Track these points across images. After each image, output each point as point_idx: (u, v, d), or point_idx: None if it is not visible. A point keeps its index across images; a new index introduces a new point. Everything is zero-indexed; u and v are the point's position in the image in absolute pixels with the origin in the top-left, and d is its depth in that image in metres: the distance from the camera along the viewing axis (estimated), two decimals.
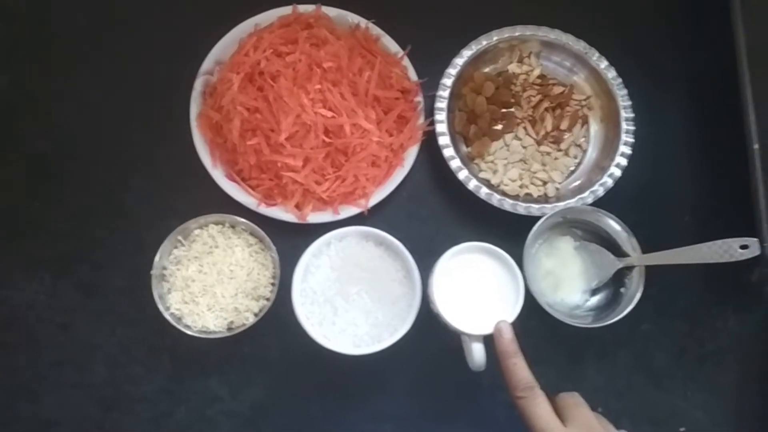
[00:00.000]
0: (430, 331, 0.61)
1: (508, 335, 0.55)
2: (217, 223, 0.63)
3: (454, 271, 0.59)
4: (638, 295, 0.61)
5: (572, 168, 0.70)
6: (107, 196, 0.67)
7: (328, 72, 0.63)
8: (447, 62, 0.69)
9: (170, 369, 0.63)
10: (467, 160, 0.68)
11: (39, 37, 0.71)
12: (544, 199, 0.68)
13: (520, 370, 0.52)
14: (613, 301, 0.64)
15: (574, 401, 0.53)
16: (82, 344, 0.63)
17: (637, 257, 0.63)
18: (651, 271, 0.62)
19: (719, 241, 0.60)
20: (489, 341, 0.57)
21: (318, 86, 0.61)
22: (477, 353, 0.57)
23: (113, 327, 0.63)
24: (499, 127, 0.69)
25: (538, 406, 0.50)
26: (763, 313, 0.67)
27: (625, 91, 0.68)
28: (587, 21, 0.72)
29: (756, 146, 0.64)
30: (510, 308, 0.58)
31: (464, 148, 0.69)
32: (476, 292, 0.59)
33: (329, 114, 0.61)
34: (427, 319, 0.60)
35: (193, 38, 0.68)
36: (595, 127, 0.71)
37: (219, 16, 0.68)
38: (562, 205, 0.65)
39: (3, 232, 0.65)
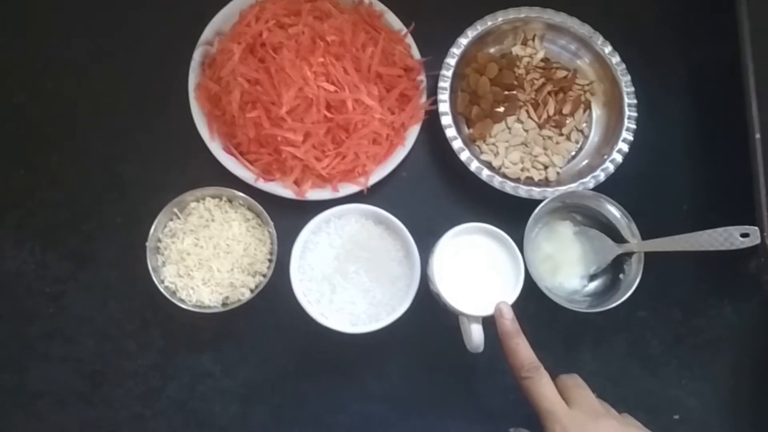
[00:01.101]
0: (428, 311, 0.60)
1: (509, 315, 0.54)
2: (214, 197, 0.62)
3: (455, 252, 0.59)
4: (637, 281, 0.61)
5: (573, 153, 0.69)
6: (101, 166, 0.65)
7: (332, 45, 0.61)
8: (450, 42, 0.68)
9: (162, 344, 0.61)
10: (468, 142, 0.67)
11: (30, 2, 0.69)
12: (545, 182, 0.67)
13: (523, 350, 0.52)
14: (611, 287, 0.64)
15: (575, 383, 0.52)
16: (72, 316, 0.61)
17: (636, 243, 0.63)
18: (649, 259, 0.62)
19: (720, 229, 0.60)
20: (487, 323, 0.57)
21: (321, 59, 0.60)
22: (476, 334, 0.56)
23: (105, 299, 0.62)
24: (502, 109, 0.68)
25: (544, 386, 0.50)
26: (759, 302, 0.67)
27: (628, 77, 0.68)
28: (592, 5, 0.71)
29: (758, 136, 0.64)
30: (510, 290, 0.58)
31: (466, 130, 0.68)
32: (476, 273, 0.59)
33: (332, 88, 0.60)
34: (426, 299, 0.60)
35: (193, 7, 0.67)
36: (597, 113, 0.70)
37: None
38: (563, 189, 0.64)
39: None
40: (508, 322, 0.54)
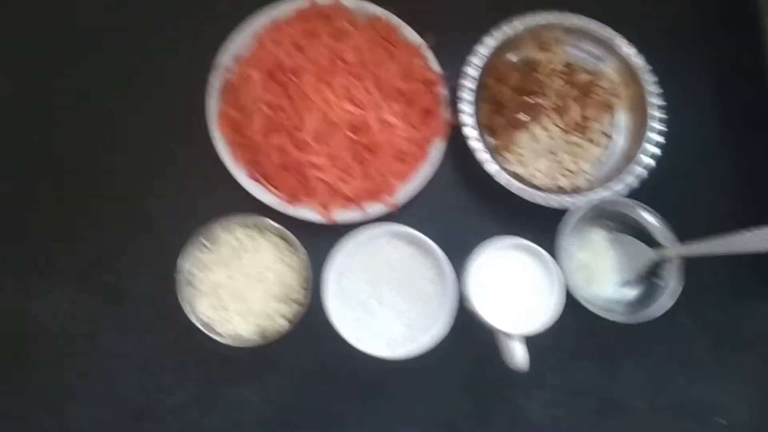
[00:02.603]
0: (464, 328, 0.60)
1: None
2: (242, 225, 0.61)
3: (489, 269, 0.58)
4: (678, 289, 0.60)
5: (601, 158, 0.68)
6: (126, 200, 0.65)
7: (351, 66, 0.61)
8: (467, 51, 0.67)
9: (200, 376, 0.61)
10: (494, 153, 0.66)
11: (43, 36, 0.69)
12: (576, 190, 0.66)
13: None
14: (649, 294, 0.63)
15: None
16: (108, 354, 0.61)
17: (673, 248, 0.61)
18: (683, 260, 0.61)
19: (758, 230, 0.58)
20: (528, 342, 0.56)
21: (342, 81, 0.59)
22: (518, 353, 0.56)
23: (140, 335, 0.61)
24: (525, 117, 0.67)
25: None
26: None
27: (654, 78, 0.66)
28: (611, 7, 0.70)
29: None
30: (547, 305, 0.57)
31: (490, 140, 0.67)
32: (512, 289, 0.58)
33: (355, 110, 0.59)
34: (460, 316, 0.59)
35: (207, 34, 0.66)
36: (622, 116, 0.69)
37: (232, 10, 0.66)
38: (595, 196, 0.63)
39: (19, 241, 0.64)
40: None
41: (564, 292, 0.58)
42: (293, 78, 0.60)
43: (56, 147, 0.66)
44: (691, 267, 0.61)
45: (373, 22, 0.66)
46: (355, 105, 0.60)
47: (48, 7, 0.69)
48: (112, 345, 0.61)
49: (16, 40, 0.68)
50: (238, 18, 0.65)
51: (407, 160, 0.64)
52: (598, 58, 0.69)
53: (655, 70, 0.67)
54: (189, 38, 0.68)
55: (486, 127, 0.67)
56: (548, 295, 0.57)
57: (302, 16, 0.65)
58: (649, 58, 0.67)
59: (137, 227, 0.64)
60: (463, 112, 0.64)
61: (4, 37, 0.68)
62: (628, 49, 0.67)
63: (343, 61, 0.60)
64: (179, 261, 0.59)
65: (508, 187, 0.63)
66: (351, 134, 0.60)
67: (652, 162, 0.65)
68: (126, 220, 0.64)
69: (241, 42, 0.65)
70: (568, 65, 0.69)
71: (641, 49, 0.67)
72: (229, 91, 0.64)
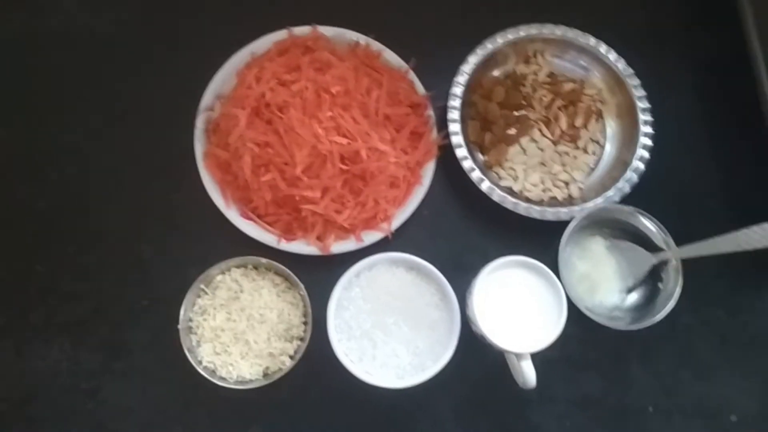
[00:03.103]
0: (471, 351, 0.59)
1: None
2: (239, 266, 0.60)
3: (493, 290, 0.57)
4: (677, 291, 0.60)
5: (592, 165, 0.68)
6: (119, 250, 0.63)
7: (337, 96, 0.60)
8: (451, 71, 0.66)
9: (208, 422, 0.60)
10: (485, 169, 0.66)
11: (19, 92, 0.67)
12: (569, 201, 0.66)
13: None
14: (651, 298, 0.63)
15: None
16: (112, 409, 0.60)
17: (671, 251, 0.61)
18: (683, 262, 0.61)
19: (756, 227, 0.59)
20: (534, 356, 0.56)
21: (329, 113, 0.59)
22: (527, 371, 0.55)
23: (143, 387, 0.60)
24: (514, 131, 0.67)
25: None
26: None
27: (637, 82, 0.67)
28: (590, 15, 0.70)
29: None
30: (553, 320, 0.57)
31: (480, 157, 0.67)
32: (518, 308, 0.57)
33: (344, 141, 0.59)
34: (467, 337, 0.58)
35: (188, 74, 0.65)
36: (611, 121, 0.69)
37: (211, 48, 0.65)
38: (590, 205, 0.63)
39: (12, 300, 0.62)
40: None
41: (566, 305, 0.57)
42: (279, 114, 0.59)
43: (43, 200, 0.64)
44: (691, 267, 0.61)
45: (354, 48, 0.66)
46: (344, 136, 0.59)
47: (22, 64, 0.68)
48: (116, 399, 0.60)
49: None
50: (221, 57, 0.65)
51: (400, 185, 0.63)
52: (585, 68, 0.69)
53: (638, 73, 0.67)
54: (172, 82, 0.67)
55: (476, 145, 0.67)
56: (553, 309, 0.57)
57: (281, 48, 0.65)
58: (632, 61, 0.68)
59: (133, 277, 0.63)
60: (453, 132, 0.64)
61: None
62: (611, 56, 0.67)
63: (328, 92, 0.59)
64: (176, 308, 0.57)
65: (502, 204, 0.63)
66: (342, 165, 0.59)
67: (642, 166, 0.65)
68: (120, 269, 0.63)
69: (223, 81, 0.64)
70: (551, 75, 0.69)
71: (623, 53, 0.68)
72: (215, 131, 0.63)
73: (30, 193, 0.64)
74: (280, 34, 0.66)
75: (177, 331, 0.57)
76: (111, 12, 0.69)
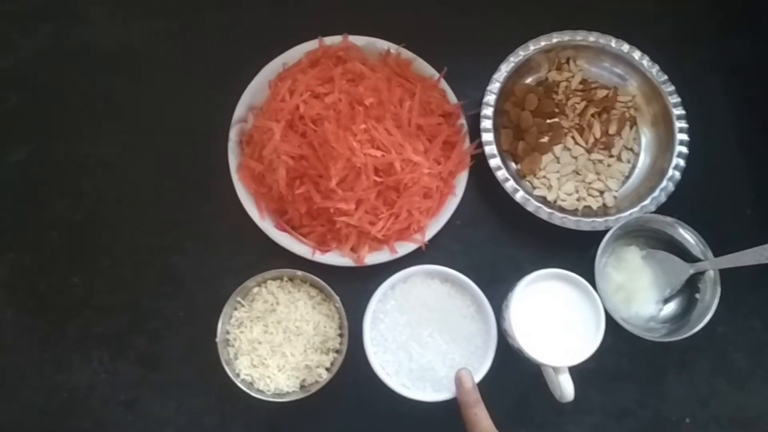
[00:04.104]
0: (507, 363, 0.59)
1: (468, 384, 0.53)
2: (275, 279, 0.60)
3: (530, 303, 0.57)
4: (715, 303, 0.60)
5: (626, 174, 0.67)
6: (153, 262, 0.64)
7: (370, 108, 0.60)
8: (482, 79, 0.66)
9: None
10: (519, 179, 0.66)
11: (53, 105, 0.68)
12: (604, 210, 0.65)
13: (481, 420, 0.51)
14: (687, 308, 0.62)
15: None
16: (150, 420, 0.60)
17: (709, 261, 0.61)
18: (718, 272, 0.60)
19: None
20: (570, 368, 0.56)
21: (363, 126, 0.58)
22: (565, 384, 0.55)
23: (180, 399, 0.61)
24: (546, 139, 0.67)
25: None
26: None
27: (672, 88, 0.66)
28: (616, 18, 0.69)
29: None
30: (591, 332, 0.56)
31: (513, 166, 0.67)
32: (555, 322, 0.57)
33: (378, 153, 0.58)
34: (503, 351, 0.58)
35: (220, 85, 0.65)
36: (645, 129, 0.68)
37: (242, 59, 0.65)
38: (626, 215, 0.62)
39: (49, 313, 0.63)
40: (468, 390, 0.53)
41: (604, 317, 0.57)
42: (313, 127, 0.59)
43: (76, 215, 0.65)
44: (727, 277, 0.61)
45: (386, 58, 0.65)
46: (378, 148, 0.59)
47: (57, 77, 0.68)
48: (153, 411, 0.60)
49: (31, 109, 0.67)
50: (252, 68, 0.65)
51: (433, 196, 0.63)
52: (618, 75, 0.68)
53: (672, 79, 0.66)
54: (205, 94, 0.67)
55: (508, 153, 0.67)
56: (590, 321, 0.57)
57: (312, 59, 0.65)
58: (663, 68, 0.67)
59: (167, 289, 0.63)
60: (486, 142, 0.64)
61: (18, 108, 0.68)
62: (645, 63, 0.66)
63: (362, 104, 0.59)
64: (212, 319, 0.58)
65: (536, 214, 0.62)
66: (376, 177, 0.59)
67: (678, 175, 0.64)
68: (153, 282, 0.63)
69: (255, 92, 0.64)
70: (584, 82, 0.68)
71: (656, 59, 0.67)
72: (249, 143, 0.63)
73: (66, 207, 0.65)
74: (312, 44, 0.66)
75: (213, 342, 0.58)
76: (143, 24, 0.69)
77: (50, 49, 0.69)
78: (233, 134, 0.63)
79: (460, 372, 0.54)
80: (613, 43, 0.67)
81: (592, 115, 0.67)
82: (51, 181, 0.65)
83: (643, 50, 0.67)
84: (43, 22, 0.69)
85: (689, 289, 0.62)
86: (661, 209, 0.64)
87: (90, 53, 0.69)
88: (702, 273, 0.61)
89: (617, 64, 0.68)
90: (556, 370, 0.56)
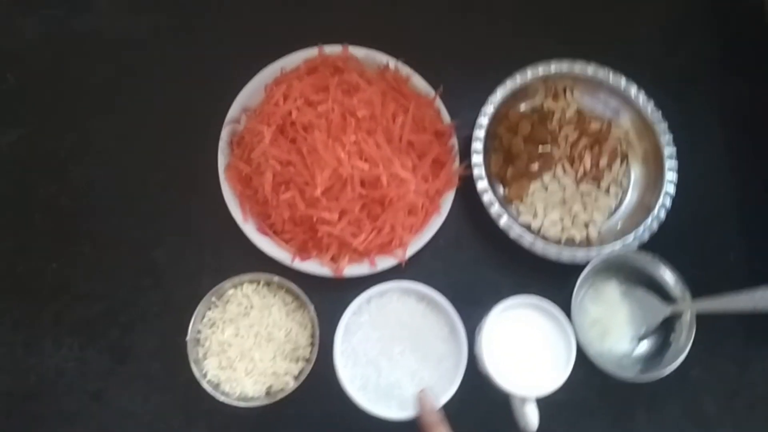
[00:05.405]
0: (477, 387, 0.59)
1: (430, 405, 0.54)
2: (251, 282, 0.60)
3: (503, 330, 0.57)
4: (688, 346, 0.59)
5: (613, 208, 0.67)
6: (133, 255, 0.64)
7: (362, 121, 0.60)
8: (477, 100, 0.66)
9: None
10: (505, 203, 0.66)
11: (50, 90, 0.68)
12: (586, 242, 0.65)
13: None
14: (662, 348, 0.62)
15: None
16: (115, 413, 0.60)
17: (686, 304, 0.61)
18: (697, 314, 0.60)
19: None
20: (538, 399, 0.55)
21: (353, 137, 0.58)
22: (530, 415, 0.55)
23: (147, 393, 0.61)
24: (536, 167, 0.67)
25: None
26: None
27: (665, 126, 0.66)
28: (620, 51, 0.69)
29: None
30: (561, 364, 0.56)
31: (501, 190, 0.67)
32: (526, 351, 0.57)
33: (366, 166, 0.59)
34: (472, 375, 0.58)
35: (217, 84, 0.65)
36: (635, 165, 0.68)
37: (242, 60, 0.66)
38: (607, 250, 0.62)
39: (25, 296, 0.63)
40: (429, 411, 0.53)
41: (575, 351, 0.57)
42: (303, 134, 0.59)
43: (61, 201, 0.65)
44: (704, 320, 0.61)
45: (384, 71, 0.66)
46: (366, 161, 0.59)
47: (56, 63, 0.69)
48: (119, 403, 0.60)
49: (27, 92, 0.68)
50: (250, 70, 0.65)
51: (418, 213, 0.63)
52: (613, 109, 0.68)
53: (668, 119, 0.66)
54: (201, 91, 0.67)
55: (497, 177, 0.67)
56: (561, 354, 0.57)
57: (310, 66, 0.65)
58: (662, 105, 0.67)
59: (146, 282, 0.63)
60: (475, 164, 0.64)
61: (15, 90, 0.68)
62: (641, 100, 0.67)
63: (354, 116, 0.59)
64: (186, 316, 0.58)
65: (518, 241, 0.62)
66: (362, 189, 0.59)
67: (663, 214, 0.64)
68: (132, 274, 0.63)
69: (251, 94, 0.65)
70: (579, 113, 0.69)
71: (654, 96, 0.67)
72: (240, 144, 0.63)
73: (53, 192, 0.65)
74: (311, 52, 0.66)
75: (184, 340, 0.58)
76: (145, 17, 0.70)
77: (52, 34, 0.69)
78: (225, 134, 0.64)
79: (421, 392, 0.54)
80: (611, 76, 0.67)
81: (585, 147, 0.67)
82: (40, 165, 0.66)
83: (642, 86, 0.67)
84: (48, 8, 0.70)
85: (665, 329, 0.62)
86: (644, 246, 0.64)
87: (91, 42, 0.69)
88: (679, 315, 0.61)
89: (613, 97, 0.68)
90: (522, 399, 0.55)
